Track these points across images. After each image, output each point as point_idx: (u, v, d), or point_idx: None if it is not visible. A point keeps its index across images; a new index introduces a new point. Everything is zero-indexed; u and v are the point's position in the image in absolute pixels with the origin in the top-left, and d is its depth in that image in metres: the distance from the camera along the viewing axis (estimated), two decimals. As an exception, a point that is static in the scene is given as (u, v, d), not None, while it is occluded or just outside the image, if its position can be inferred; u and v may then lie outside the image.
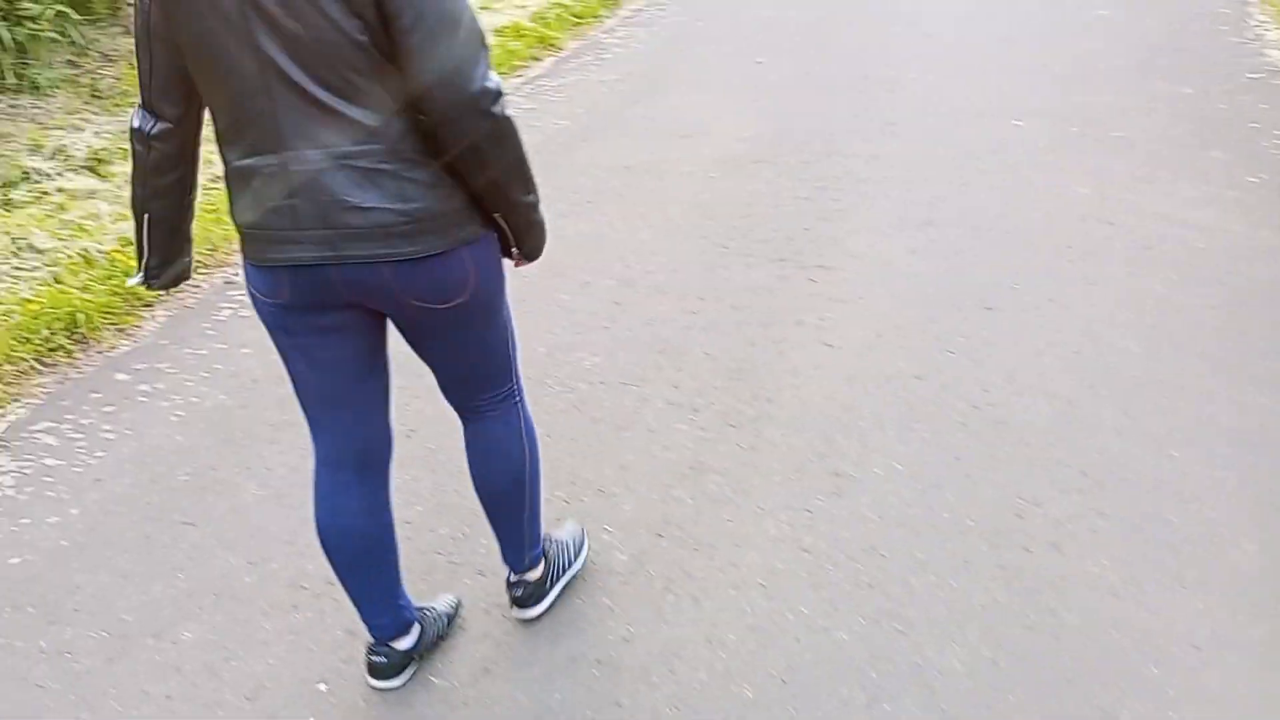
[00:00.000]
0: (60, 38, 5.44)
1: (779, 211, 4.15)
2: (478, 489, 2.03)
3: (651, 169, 4.59)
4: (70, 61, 5.61)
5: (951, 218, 4.03)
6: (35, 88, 5.26)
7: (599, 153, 4.81)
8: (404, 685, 2.05)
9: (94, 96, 5.35)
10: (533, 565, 2.17)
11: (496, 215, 1.66)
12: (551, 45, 6.37)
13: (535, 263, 1.79)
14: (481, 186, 1.60)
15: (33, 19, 5.26)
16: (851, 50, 6.19)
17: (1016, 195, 4.21)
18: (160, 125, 1.64)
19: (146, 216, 1.75)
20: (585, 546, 2.37)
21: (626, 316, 3.43)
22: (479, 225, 1.65)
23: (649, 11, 7.18)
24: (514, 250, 1.74)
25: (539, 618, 2.20)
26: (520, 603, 2.18)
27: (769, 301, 3.49)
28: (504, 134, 1.55)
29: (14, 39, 5.21)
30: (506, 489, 2.01)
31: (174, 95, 1.61)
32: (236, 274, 3.80)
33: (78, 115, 5.19)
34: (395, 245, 1.58)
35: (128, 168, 1.80)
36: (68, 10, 5.41)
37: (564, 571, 2.27)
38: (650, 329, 3.35)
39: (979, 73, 5.73)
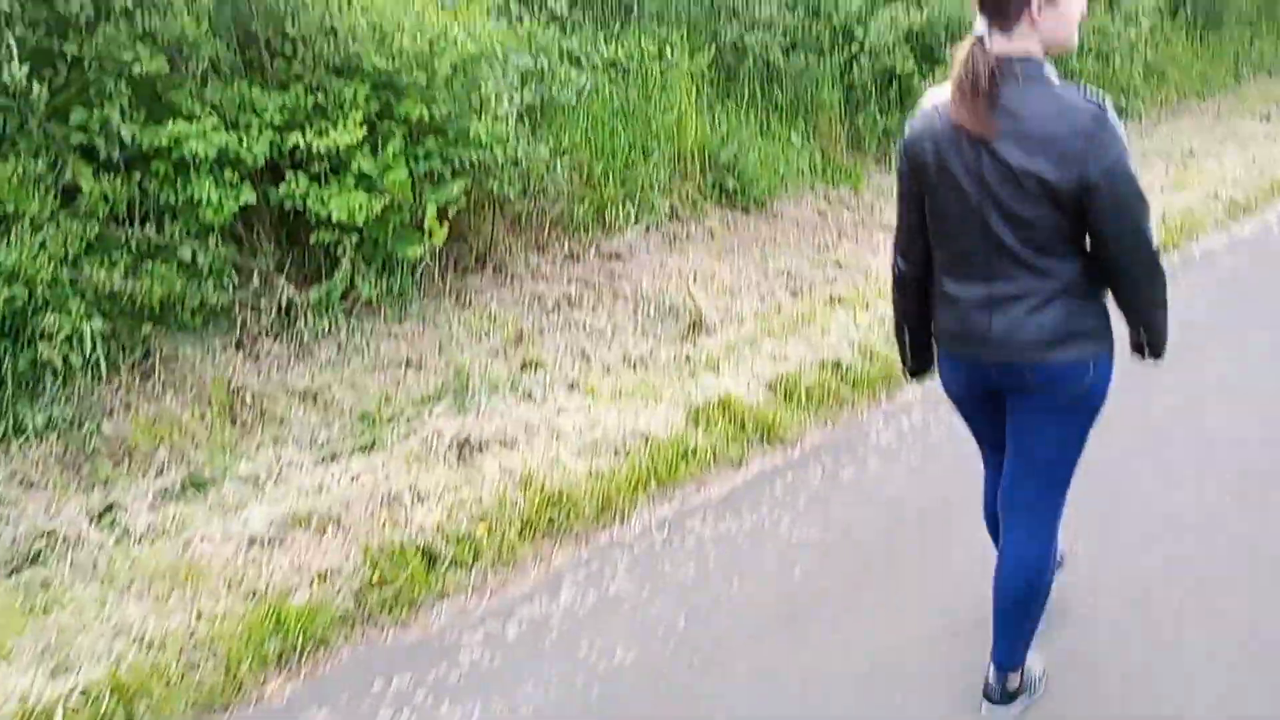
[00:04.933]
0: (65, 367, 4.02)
1: None
2: (994, 589, 2.56)
3: None
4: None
5: None
6: (20, 431, 3.93)
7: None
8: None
9: (82, 456, 3.90)
10: (1012, 671, 2.61)
11: (1139, 326, 2.37)
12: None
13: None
14: (1135, 307, 2.35)
15: (48, 337, 3.95)
16: None
17: None
18: (907, 265, 2.49)
19: (906, 327, 2.60)
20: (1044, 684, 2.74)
21: None
22: (1107, 345, 2.35)
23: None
24: (1144, 348, 2.42)
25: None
26: (989, 697, 2.63)
27: None
28: (1157, 273, 2.29)
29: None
30: (1014, 599, 2.53)
31: (917, 244, 2.44)
32: None
33: (41, 485, 3.76)
34: (1054, 353, 2.29)
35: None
36: (92, 329, 3.99)
37: (1031, 694, 2.68)
38: None
39: None
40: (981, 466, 2.82)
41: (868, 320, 5.25)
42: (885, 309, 5.37)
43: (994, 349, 2.34)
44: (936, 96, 2.32)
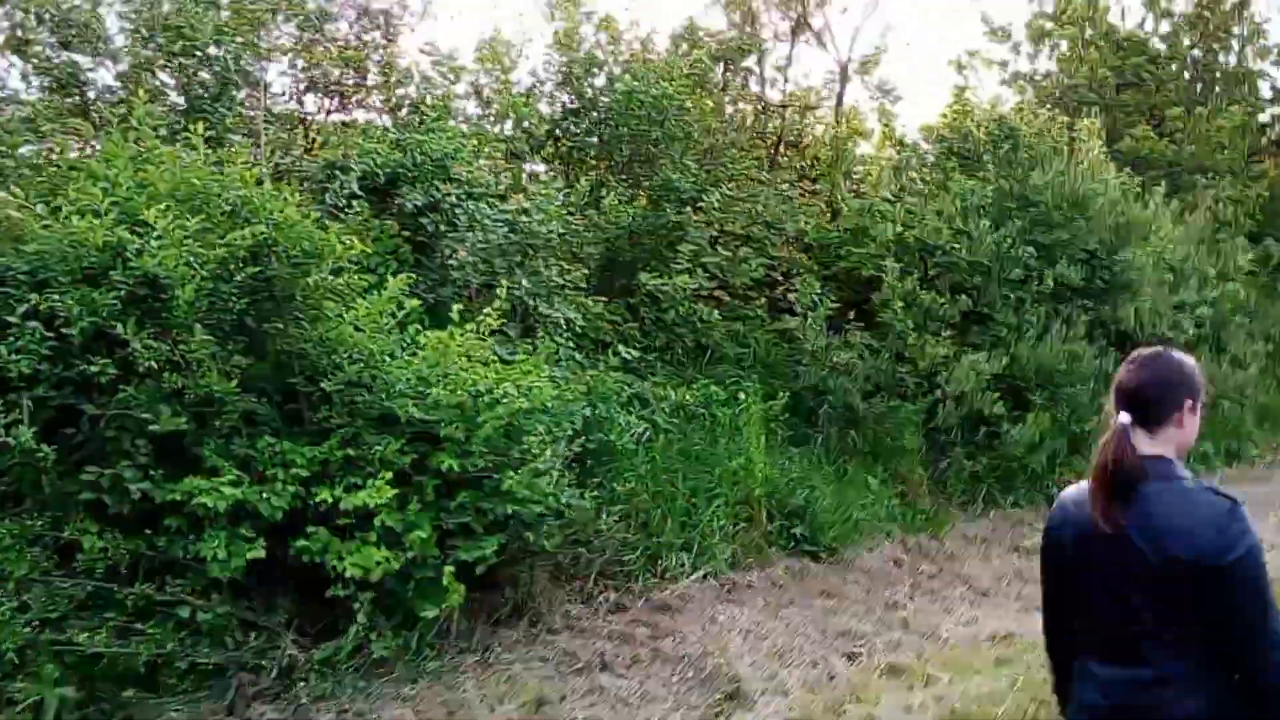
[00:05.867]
0: None
1: None
2: None
3: None
4: None
5: None
6: None
7: None
8: None
9: None
10: None
11: None
12: None
13: None
14: None
15: (12, 704, 3.81)
16: None
17: None
18: (1051, 635, 2.56)
19: (1056, 677, 2.57)
20: None
21: None
22: None
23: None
24: None
25: None
26: None
27: None
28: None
29: None
30: None
31: (1061, 621, 2.50)
32: None
33: None
34: None
35: None
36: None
37: None
38: None
39: None
40: None
41: (921, 699, 4.71)
42: (945, 685, 4.87)
43: None
44: (1074, 493, 2.43)
